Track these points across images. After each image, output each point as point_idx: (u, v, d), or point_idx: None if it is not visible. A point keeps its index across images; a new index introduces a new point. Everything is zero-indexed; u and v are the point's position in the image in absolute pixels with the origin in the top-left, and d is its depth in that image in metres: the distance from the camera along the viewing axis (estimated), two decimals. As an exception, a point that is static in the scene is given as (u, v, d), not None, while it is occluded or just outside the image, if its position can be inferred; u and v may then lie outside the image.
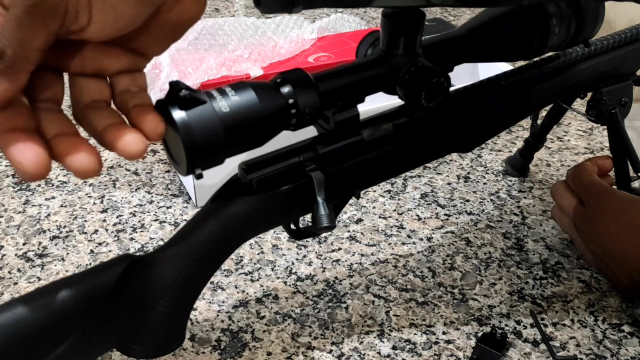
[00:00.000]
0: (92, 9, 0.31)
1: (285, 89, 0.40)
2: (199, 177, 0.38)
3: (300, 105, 0.40)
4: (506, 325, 0.58)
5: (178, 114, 0.36)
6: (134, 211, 0.73)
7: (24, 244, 0.68)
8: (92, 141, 0.35)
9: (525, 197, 0.75)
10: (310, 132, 0.46)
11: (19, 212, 0.73)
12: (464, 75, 0.86)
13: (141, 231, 0.70)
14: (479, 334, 0.57)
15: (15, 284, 0.63)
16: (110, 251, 0.67)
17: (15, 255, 0.67)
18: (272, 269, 0.65)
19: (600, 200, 0.59)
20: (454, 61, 0.48)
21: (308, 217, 0.46)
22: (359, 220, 0.72)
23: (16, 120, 0.32)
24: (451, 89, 0.53)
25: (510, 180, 0.78)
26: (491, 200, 0.75)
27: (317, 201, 0.45)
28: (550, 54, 0.55)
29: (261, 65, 0.79)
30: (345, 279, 0.63)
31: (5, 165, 0.81)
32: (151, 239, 0.69)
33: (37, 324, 0.40)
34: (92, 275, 0.42)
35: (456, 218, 0.72)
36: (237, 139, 0.38)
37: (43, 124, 0.34)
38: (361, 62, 0.45)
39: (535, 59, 0.55)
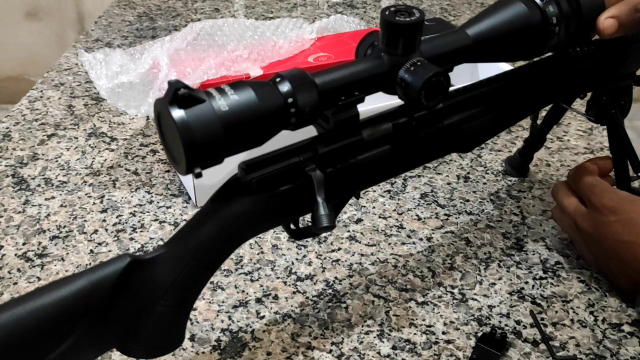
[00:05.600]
0: None
1: (284, 88, 0.40)
2: (198, 176, 0.38)
3: (299, 104, 0.40)
4: (506, 325, 0.58)
5: (177, 113, 0.36)
6: (134, 211, 0.73)
7: (24, 244, 0.68)
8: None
9: (525, 197, 0.75)
10: (310, 132, 0.46)
11: (19, 212, 0.73)
12: (464, 75, 0.86)
13: (141, 231, 0.70)
14: (479, 334, 0.57)
15: (15, 284, 0.63)
16: (110, 251, 0.67)
17: (15, 255, 0.67)
18: (272, 269, 0.65)
19: (602, 201, 0.59)
20: (454, 61, 0.48)
21: (308, 217, 0.46)
22: (359, 220, 0.72)
23: None
24: (451, 88, 0.53)
25: (510, 180, 0.78)
26: (491, 200, 0.75)
27: (317, 201, 0.45)
28: (550, 54, 0.55)
29: (261, 65, 0.79)
30: (345, 279, 0.63)
31: (5, 165, 0.81)
32: (151, 239, 0.69)
33: (37, 324, 0.40)
34: (92, 275, 0.42)
35: (456, 218, 0.72)
36: (236, 138, 0.38)
37: None
38: (360, 61, 0.45)
39: (535, 59, 0.55)
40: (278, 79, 0.40)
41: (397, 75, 0.44)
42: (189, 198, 0.75)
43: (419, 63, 0.44)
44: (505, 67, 0.82)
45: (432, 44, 0.46)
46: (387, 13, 0.43)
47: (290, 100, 0.40)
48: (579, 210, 0.61)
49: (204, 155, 0.37)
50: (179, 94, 0.36)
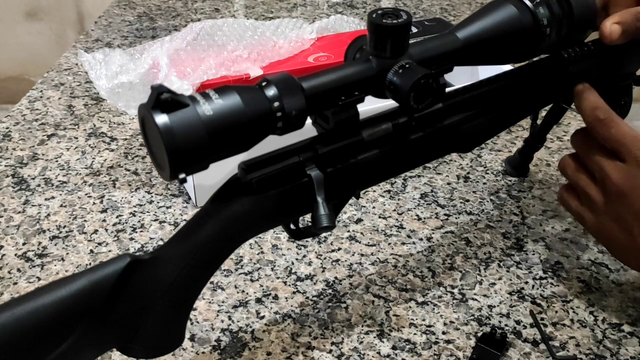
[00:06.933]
0: None
1: (271, 93, 0.40)
2: (183, 181, 0.37)
3: (286, 108, 0.40)
4: (506, 325, 0.58)
5: (160, 117, 0.36)
6: (134, 211, 0.73)
7: (24, 244, 0.68)
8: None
9: (525, 197, 0.75)
10: (310, 132, 0.46)
11: (19, 212, 0.73)
12: (464, 75, 0.86)
13: (141, 231, 0.70)
14: (479, 334, 0.57)
15: (15, 284, 0.63)
16: (110, 251, 0.67)
17: (15, 255, 0.67)
18: (272, 269, 0.65)
19: None
20: (444, 64, 0.48)
21: (308, 217, 0.46)
22: (359, 220, 0.72)
23: None
24: (451, 88, 0.53)
25: (510, 180, 0.78)
26: (491, 200, 0.75)
27: (317, 201, 0.45)
28: (544, 55, 0.55)
29: (261, 65, 0.79)
30: (345, 279, 0.63)
31: (5, 165, 0.81)
32: (151, 239, 0.69)
33: (37, 324, 0.40)
34: (92, 275, 0.42)
35: (456, 218, 0.72)
36: (222, 143, 0.38)
37: None
38: (349, 65, 0.45)
39: (535, 59, 0.55)
40: (264, 83, 0.40)
41: (385, 79, 0.44)
42: (189, 198, 0.75)
43: (407, 65, 0.43)
44: (505, 66, 0.82)
45: (422, 47, 0.46)
46: (374, 16, 0.43)
47: (276, 104, 0.40)
48: (612, 162, 0.54)
49: (188, 160, 0.37)
50: (161, 98, 0.35)
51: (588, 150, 0.56)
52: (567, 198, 0.59)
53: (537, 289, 0.62)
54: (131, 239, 0.69)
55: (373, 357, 0.55)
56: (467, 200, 0.75)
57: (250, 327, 0.58)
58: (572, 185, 0.59)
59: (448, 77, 0.85)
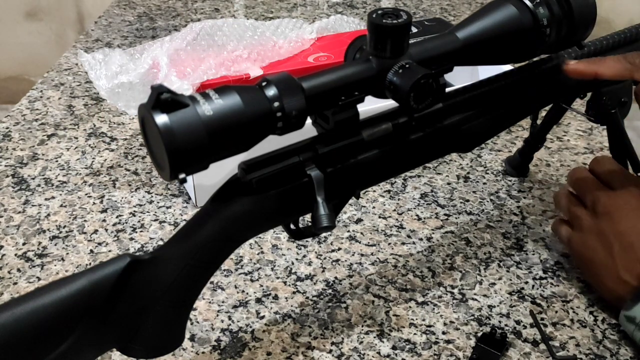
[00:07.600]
0: None
1: (271, 93, 0.40)
2: (183, 181, 0.37)
3: (286, 109, 0.40)
4: (506, 325, 0.58)
5: (160, 117, 0.36)
6: (134, 211, 0.73)
7: (24, 244, 0.68)
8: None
9: (525, 197, 0.75)
10: (310, 132, 0.46)
11: (19, 212, 0.73)
12: (464, 75, 0.86)
13: (141, 231, 0.70)
14: (479, 334, 0.57)
15: (15, 284, 0.63)
16: (110, 251, 0.67)
17: (15, 255, 0.67)
18: (272, 269, 0.65)
19: (629, 186, 0.59)
20: (444, 64, 0.48)
21: (308, 217, 0.46)
22: (359, 220, 0.72)
23: None
24: (451, 88, 0.53)
25: (510, 180, 0.78)
26: (491, 200, 0.75)
27: (317, 201, 0.45)
28: (544, 55, 0.55)
29: (261, 65, 0.79)
30: (345, 279, 0.63)
31: (5, 165, 0.81)
32: (151, 239, 0.69)
33: (37, 324, 0.40)
34: (92, 275, 0.42)
35: (456, 218, 0.72)
36: (221, 143, 0.38)
37: None
38: (349, 65, 0.45)
39: (535, 59, 0.55)
40: (264, 83, 0.40)
41: (385, 79, 0.44)
42: (189, 198, 0.75)
43: (407, 65, 0.43)
44: (505, 66, 0.82)
45: (421, 47, 0.46)
46: (374, 16, 0.43)
47: (276, 104, 0.40)
48: (604, 190, 0.61)
49: (188, 160, 0.37)
50: (161, 98, 0.35)
51: (585, 185, 0.63)
52: (559, 227, 0.65)
53: (537, 289, 0.62)
54: (131, 239, 0.69)
55: (373, 357, 0.55)
56: (467, 200, 0.75)
57: (250, 327, 0.58)
58: (563, 217, 0.65)
59: (448, 77, 0.85)
